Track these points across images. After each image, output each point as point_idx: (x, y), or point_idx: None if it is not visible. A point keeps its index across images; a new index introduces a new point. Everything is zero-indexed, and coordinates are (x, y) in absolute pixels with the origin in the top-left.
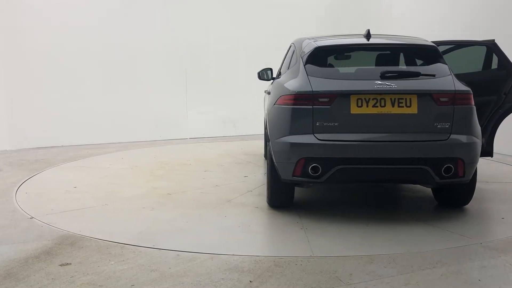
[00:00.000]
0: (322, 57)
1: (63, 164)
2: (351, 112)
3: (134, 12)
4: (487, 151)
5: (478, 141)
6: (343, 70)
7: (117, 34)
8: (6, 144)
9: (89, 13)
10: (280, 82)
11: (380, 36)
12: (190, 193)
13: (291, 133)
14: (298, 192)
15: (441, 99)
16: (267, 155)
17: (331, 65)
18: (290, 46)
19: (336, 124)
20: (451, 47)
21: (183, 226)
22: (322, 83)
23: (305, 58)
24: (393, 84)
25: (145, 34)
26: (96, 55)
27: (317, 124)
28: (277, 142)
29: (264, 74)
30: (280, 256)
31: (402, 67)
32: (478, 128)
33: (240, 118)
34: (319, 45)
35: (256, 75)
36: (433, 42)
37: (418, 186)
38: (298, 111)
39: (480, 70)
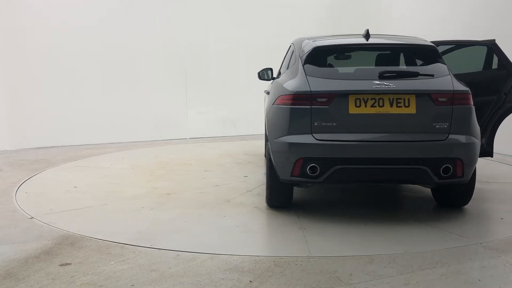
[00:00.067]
0: (320, 57)
1: (63, 164)
2: (350, 112)
3: (134, 12)
4: (487, 152)
5: (477, 141)
6: (341, 70)
7: (117, 34)
8: (6, 144)
9: (89, 13)
10: (279, 82)
11: (379, 36)
12: (190, 193)
13: (290, 133)
14: (297, 192)
15: (440, 99)
16: (267, 155)
17: (330, 65)
18: (290, 46)
19: (334, 124)
20: (452, 47)
21: (183, 226)
22: (321, 83)
23: (303, 58)
24: (391, 84)
25: (145, 34)
26: (96, 55)
27: (316, 124)
28: (276, 142)
29: (265, 74)
30: (280, 256)
31: (401, 67)
32: (477, 128)
33: (240, 118)
34: (317, 45)
35: (256, 75)
36: (433, 42)
37: (417, 186)
38: (297, 111)
39: (481, 70)
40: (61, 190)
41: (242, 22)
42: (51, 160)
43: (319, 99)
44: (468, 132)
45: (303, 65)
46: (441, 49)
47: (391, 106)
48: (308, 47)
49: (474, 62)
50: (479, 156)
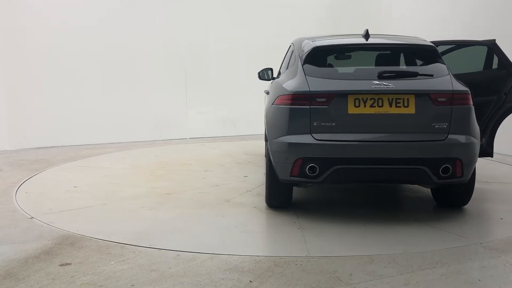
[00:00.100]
0: (320, 57)
1: (63, 164)
2: (349, 112)
3: (134, 12)
4: (487, 152)
5: (477, 141)
6: (341, 70)
7: (117, 34)
8: (6, 144)
9: (89, 13)
10: (278, 82)
11: (379, 36)
12: (190, 193)
13: (289, 133)
14: (296, 192)
15: (439, 99)
16: (266, 155)
17: (329, 65)
18: (290, 46)
19: (333, 124)
20: (452, 47)
21: (182, 226)
22: (320, 83)
23: (303, 58)
24: (390, 84)
25: (145, 34)
26: (96, 55)
27: (315, 124)
28: (275, 142)
29: (265, 74)
30: (280, 256)
31: (400, 67)
32: (476, 128)
33: (240, 118)
34: (317, 45)
35: (256, 75)
36: (433, 42)
37: (417, 186)
38: (296, 111)
39: (481, 70)
40: (61, 190)
41: (242, 22)
42: (51, 160)
43: (318, 99)
44: (468, 132)
45: (302, 65)
46: (441, 49)
47: (390, 106)
48: (307, 47)
49: (474, 62)
50: (479, 156)
